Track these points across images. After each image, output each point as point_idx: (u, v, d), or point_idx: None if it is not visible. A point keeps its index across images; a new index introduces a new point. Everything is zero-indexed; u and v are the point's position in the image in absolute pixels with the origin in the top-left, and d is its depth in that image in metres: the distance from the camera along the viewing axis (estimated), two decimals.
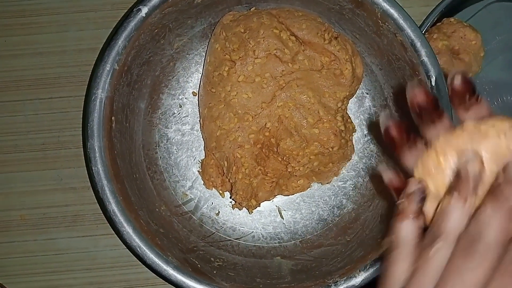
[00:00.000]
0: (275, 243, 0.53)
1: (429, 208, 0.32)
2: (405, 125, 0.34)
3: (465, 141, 0.31)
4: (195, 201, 0.54)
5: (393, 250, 0.32)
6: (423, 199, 0.31)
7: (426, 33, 0.54)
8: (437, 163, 0.32)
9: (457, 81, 0.32)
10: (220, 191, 0.54)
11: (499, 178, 0.29)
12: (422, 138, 0.34)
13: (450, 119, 0.33)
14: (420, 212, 0.31)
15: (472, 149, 0.30)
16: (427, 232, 0.31)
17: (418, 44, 0.47)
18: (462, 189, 0.29)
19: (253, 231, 0.54)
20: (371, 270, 0.45)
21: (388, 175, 0.34)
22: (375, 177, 0.53)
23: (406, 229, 0.31)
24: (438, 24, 0.55)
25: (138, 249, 0.45)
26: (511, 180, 0.29)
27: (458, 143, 0.31)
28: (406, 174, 0.34)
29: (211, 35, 0.53)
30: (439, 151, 0.32)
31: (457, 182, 0.30)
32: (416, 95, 0.32)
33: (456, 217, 0.29)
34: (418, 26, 0.53)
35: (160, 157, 0.54)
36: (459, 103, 0.32)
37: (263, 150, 0.50)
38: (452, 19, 0.55)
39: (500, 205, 0.29)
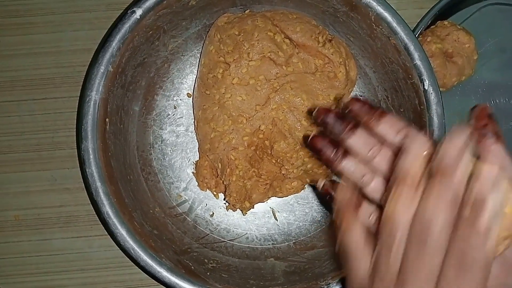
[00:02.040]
0: (269, 244, 0.54)
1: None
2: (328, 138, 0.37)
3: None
4: (189, 202, 0.54)
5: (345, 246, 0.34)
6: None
7: (420, 36, 0.54)
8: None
9: (347, 101, 0.34)
10: (214, 193, 0.54)
11: (435, 163, 0.29)
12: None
13: (366, 132, 0.35)
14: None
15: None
16: (381, 229, 0.31)
17: (411, 48, 0.47)
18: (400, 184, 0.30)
19: (247, 233, 0.54)
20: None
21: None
22: None
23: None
24: (432, 27, 0.55)
25: (131, 251, 0.45)
26: (446, 168, 0.28)
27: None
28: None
29: (205, 37, 0.53)
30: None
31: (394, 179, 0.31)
32: (321, 114, 0.36)
33: (403, 208, 0.30)
34: (412, 28, 0.54)
35: (155, 158, 0.54)
36: (366, 119, 0.34)
37: (257, 152, 0.51)
38: (446, 22, 0.55)
39: (442, 194, 0.28)
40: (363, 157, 0.35)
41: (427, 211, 0.28)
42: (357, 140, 0.35)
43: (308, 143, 0.37)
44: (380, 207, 0.35)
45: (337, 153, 0.36)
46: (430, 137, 0.37)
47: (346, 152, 0.36)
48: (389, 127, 0.34)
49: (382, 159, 0.35)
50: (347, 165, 0.36)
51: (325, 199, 0.38)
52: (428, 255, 0.28)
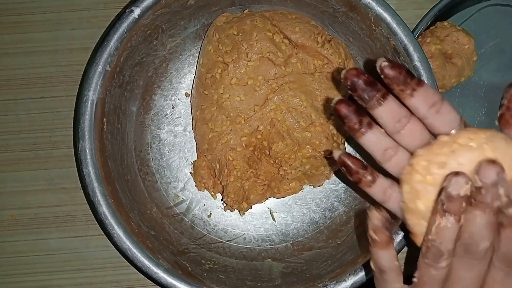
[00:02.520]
0: (267, 245, 0.53)
1: (418, 226, 0.33)
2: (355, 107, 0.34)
3: (446, 155, 0.31)
4: (187, 202, 0.54)
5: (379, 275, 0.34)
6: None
7: (420, 37, 0.54)
8: (423, 181, 0.32)
9: (386, 65, 0.30)
10: (212, 193, 0.53)
11: (477, 183, 0.30)
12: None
13: (396, 101, 0.33)
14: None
15: (457, 163, 0.31)
16: (426, 250, 0.32)
17: (411, 49, 0.47)
18: (453, 209, 0.30)
19: (244, 233, 0.54)
20: (360, 274, 0.46)
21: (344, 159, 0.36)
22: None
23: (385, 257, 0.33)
24: (431, 27, 0.55)
25: (128, 251, 0.45)
26: (488, 187, 0.29)
27: (438, 158, 0.31)
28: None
29: (204, 37, 0.53)
30: (421, 169, 0.32)
31: (449, 201, 0.30)
32: (349, 75, 0.32)
33: (450, 236, 0.30)
34: (412, 29, 0.54)
35: (152, 158, 0.54)
36: (401, 89, 0.31)
37: (255, 153, 0.50)
38: (445, 23, 0.55)
39: (484, 213, 0.30)
40: (389, 128, 0.34)
41: (473, 227, 0.30)
42: (386, 110, 0.32)
43: (332, 107, 0.34)
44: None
45: (361, 123, 0.33)
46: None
47: (371, 122, 0.34)
48: (423, 100, 0.32)
49: (408, 132, 0.33)
50: (371, 137, 0.34)
51: (341, 170, 0.37)
52: (476, 265, 0.31)
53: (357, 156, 0.39)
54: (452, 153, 0.31)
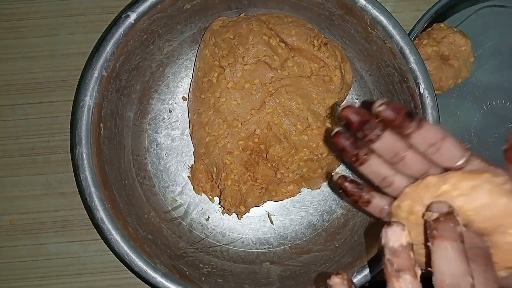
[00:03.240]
0: (265, 248, 0.53)
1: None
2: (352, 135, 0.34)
3: (430, 198, 0.31)
4: (185, 206, 0.54)
5: None
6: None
7: (416, 39, 0.54)
8: (407, 218, 0.32)
9: (383, 108, 0.30)
10: (210, 197, 0.54)
11: (433, 216, 0.29)
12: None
13: (392, 137, 0.33)
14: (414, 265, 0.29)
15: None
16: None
17: (407, 51, 0.47)
18: (403, 263, 0.28)
19: (242, 237, 0.54)
20: (358, 277, 0.46)
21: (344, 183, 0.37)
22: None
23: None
24: (428, 29, 0.55)
25: (125, 256, 0.45)
26: (444, 215, 0.28)
27: (423, 200, 0.31)
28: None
29: (201, 41, 0.53)
30: (406, 207, 0.32)
31: (395, 257, 0.28)
32: (346, 114, 0.32)
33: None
34: (408, 31, 0.54)
35: (150, 162, 0.54)
36: (397, 131, 0.31)
37: (253, 157, 0.50)
38: (442, 25, 0.55)
39: (454, 241, 0.28)
40: (387, 160, 0.34)
41: (445, 263, 0.28)
42: (383, 144, 0.33)
43: (330, 139, 0.35)
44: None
45: (359, 155, 0.34)
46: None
47: (369, 152, 0.35)
48: (422, 141, 0.31)
49: (406, 164, 0.34)
50: (369, 167, 0.35)
51: (338, 190, 0.38)
52: None
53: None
54: (436, 198, 0.30)
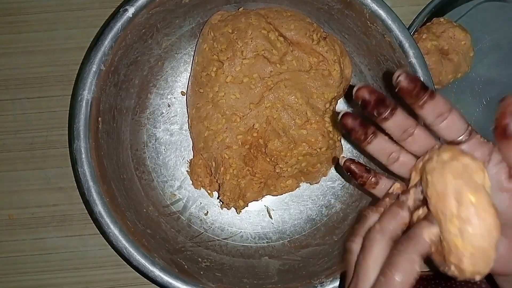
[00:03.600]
0: (263, 242, 0.53)
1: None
2: (361, 118, 0.36)
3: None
4: (184, 201, 0.54)
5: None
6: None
7: (416, 33, 0.54)
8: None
9: (403, 79, 0.31)
10: (209, 191, 0.54)
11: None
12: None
13: (403, 114, 0.34)
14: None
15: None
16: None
17: (406, 45, 0.47)
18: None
19: (241, 231, 0.54)
20: None
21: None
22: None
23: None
24: (428, 24, 0.54)
25: (124, 250, 0.45)
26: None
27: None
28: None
29: (199, 35, 0.53)
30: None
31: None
32: (361, 93, 0.33)
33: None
34: (408, 25, 0.53)
35: (148, 157, 0.54)
36: (412, 101, 0.32)
37: (251, 151, 0.50)
38: (441, 19, 0.54)
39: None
40: (396, 137, 0.35)
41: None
42: (394, 123, 0.34)
43: (339, 121, 0.36)
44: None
45: (367, 133, 0.36)
46: None
47: (376, 131, 0.36)
48: (432, 111, 0.33)
49: (414, 140, 0.35)
50: (376, 145, 0.36)
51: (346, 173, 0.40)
52: None
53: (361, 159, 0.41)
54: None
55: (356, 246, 0.34)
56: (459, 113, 0.34)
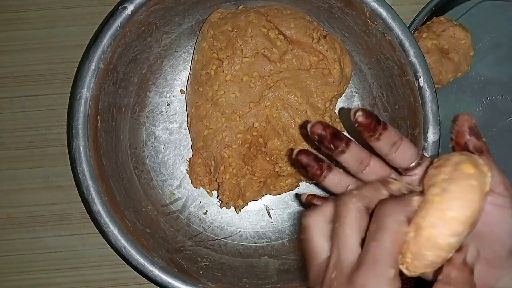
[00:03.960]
0: (263, 242, 0.53)
1: None
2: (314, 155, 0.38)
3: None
4: (183, 200, 0.54)
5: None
6: None
7: (416, 32, 0.54)
8: None
9: (361, 117, 0.33)
10: (208, 190, 0.53)
11: None
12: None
13: (357, 146, 0.36)
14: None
15: None
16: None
17: (407, 44, 0.47)
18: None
19: (241, 230, 0.54)
20: None
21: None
22: None
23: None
24: (428, 22, 0.54)
25: (123, 250, 0.45)
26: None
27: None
28: None
29: (199, 33, 0.52)
30: None
31: None
32: (315, 129, 0.35)
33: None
34: (408, 24, 0.53)
35: (147, 156, 0.54)
36: (370, 134, 0.34)
37: (251, 150, 0.50)
38: (442, 18, 0.54)
39: None
40: (353, 170, 0.36)
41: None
42: (349, 156, 0.36)
43: (293, 158, 0.38)
44: None
45: (322, 168, 0.37)
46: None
47: (331, 165, 0.38)
48: (387, 142, 0.34)
49: (370, 171, 0.36)
50: (332, 179, 0.37)
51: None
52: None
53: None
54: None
55: (314, 220, 0.33)
56: (409, 140, 0.35)
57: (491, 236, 0.33)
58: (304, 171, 0.38)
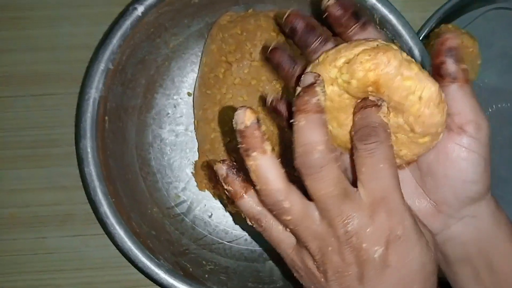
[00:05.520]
0: (268, 247, 0.53)
1: None
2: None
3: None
4: (188, 203, 0.53)
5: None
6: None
7: (424, 39, 0.54)
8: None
9: (332, 3, 0.29)
10: (213, 193, 0.53)
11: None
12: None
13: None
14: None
15: None
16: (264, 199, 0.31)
17: (416, 51, 0.47)
18: (250, 142, 0.30)
19: (245, 234, 0.53)
20: None
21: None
22: None
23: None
24: (435, 30, 0.55)
25: (129, 251, 0.45)
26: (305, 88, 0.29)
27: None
28: None
29: (207, 36, 0.52)
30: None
31: (243, 138, 0.31)
32: (292, 19, 0.31)
33: (271, 166, 0.32)
34: (416, 31, 0.53)
35: (153, 157, 0.53)
36: (340, 30, 0.30)
37: None
38: (449, 25, 0.54)
39: (307, 113, 0.29)
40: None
41: (300, 135, 0.29)
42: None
43: (267, 54, 0.34)
44: None
45: (295, 69, 0.34)
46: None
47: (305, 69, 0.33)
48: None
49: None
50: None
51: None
52: (329, 171, 0.29)
53: None
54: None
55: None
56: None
57: (443, 179, 0.30)
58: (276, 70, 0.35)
